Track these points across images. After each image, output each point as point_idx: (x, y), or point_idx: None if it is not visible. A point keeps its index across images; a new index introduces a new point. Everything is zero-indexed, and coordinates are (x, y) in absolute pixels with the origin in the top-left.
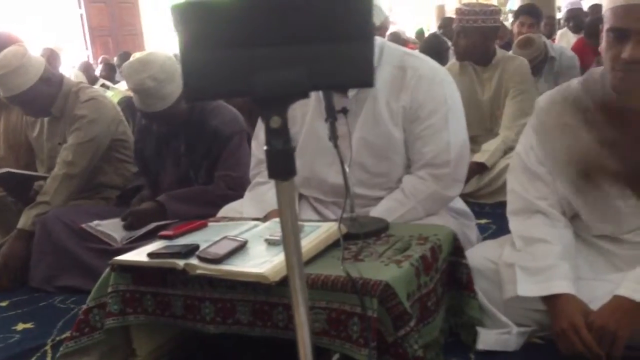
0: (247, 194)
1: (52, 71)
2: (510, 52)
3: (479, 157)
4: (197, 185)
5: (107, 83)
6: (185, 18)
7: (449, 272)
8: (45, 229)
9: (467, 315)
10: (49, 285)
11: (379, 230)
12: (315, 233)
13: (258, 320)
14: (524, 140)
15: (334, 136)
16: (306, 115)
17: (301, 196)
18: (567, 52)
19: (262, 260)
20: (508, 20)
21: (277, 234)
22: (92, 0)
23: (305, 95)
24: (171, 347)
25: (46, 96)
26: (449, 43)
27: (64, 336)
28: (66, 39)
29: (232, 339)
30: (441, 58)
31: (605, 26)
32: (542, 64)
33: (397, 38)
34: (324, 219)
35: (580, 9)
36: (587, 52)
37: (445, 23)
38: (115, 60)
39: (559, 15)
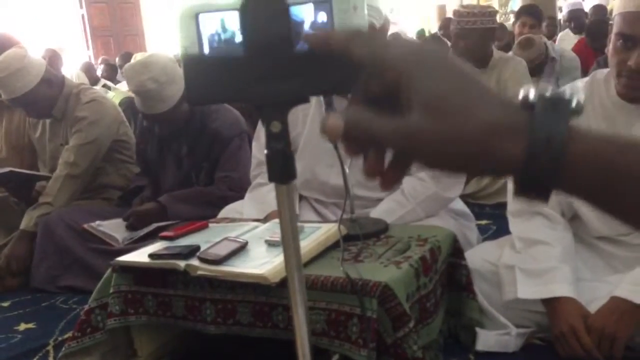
0: (247, 195)
1: (54, 72)
2: (510, 53)
3: None
4: (198, 187)
5: (109, 83)
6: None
7: (448, 274)
8: (47, 230)
9: (466, 317)
10: (51, 286)
11: (378, 231)
12: (315, 234)
13: (258, 321)
14: None
15: None
16: (307, 118)
17: (301, 197)
18: (568, 53)
19: (262, 262)
20: (509, 21)
21: (277, 235)
22: (93, 0)
23: (306, 100)
24: (172, 347)
25: (48, 97)
26: (449, 44)
27: (66, 336)
28: (67, 40)
29: (232, 339)
30: None
31: (614, 30)
32: (542, 65)
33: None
34: (324, 220)
35: (582, 10)
36: (588, 53)
37: (446, 24)
38: (117, 60)
39: (560, 15)
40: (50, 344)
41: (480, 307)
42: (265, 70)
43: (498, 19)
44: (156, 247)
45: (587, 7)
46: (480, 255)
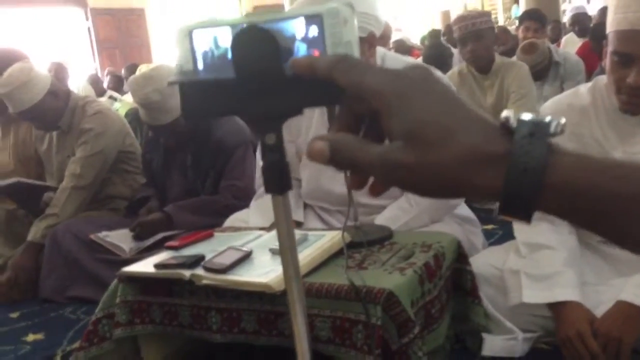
0: (252, 203)
1: (59, 85)
2: (514, 58)
3: None
4: (203, 196)
5: (115, 95)
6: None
7: (453, 279)
8: (55, 241)
9: (472, 322)
10: (59, 296)
11: (382, 238)
12: (319, 242)
13: (264, 329)
14: None
15: None
16: (310, 127)
17: (307, 205)
18: (572, 56)
19: (266, 270)
20: (513, 26)
21: None
22: (99, 12)
23: (299, 113)
24: (179, 356)
25: (54, 110)
26: (452, 49)
27: (74, 346)
28: (74, 52)
29: (239, 347)
30: (444, 64)
31: (610, 48)
32: (546, 69)
33: (402, 45)
34: (330, 227)
35: (585, 14)
36: (592, 56)
37: (449, 30)
38: (123, 72)
39: (564, 19)
40: (58, 354)
41: (486, 312)
42: (256, 90)
43: (502, 22)
44: (162, 257)
45: (590, 11)
46: (485, 260)
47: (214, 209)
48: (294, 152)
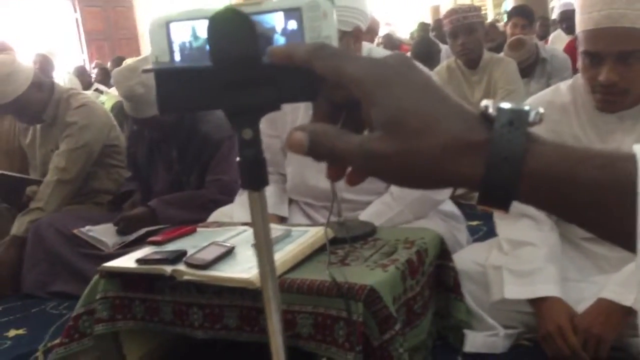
0: (237, 198)
1: (43, 77)
2: (502, 54)
3: None
4: (188, 190)
5: (101, 87)
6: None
7: (436, 275)
8: (37, 235)
9: (454, 318)
10: (41, 291)
11: (365, 234)
12: (303, 238)
13: (246, 325)
14: None
15: None
16: (296, 122)
17: (292, 201)
18: (559, 53)
19: (248, 266)
20: (503, 22)
21: None
22: (87, 4)
23: (277, 108)
24: (161, 352)
25: (38, 103)
26: (441, 45)
27: (55, 342)
28: (61, 44)
29: (221, 343)
30: (432, 60)
31: (580, 48)
32: (533, 66)
33: (391, 39)
34: (314, 223)
35: (574, 11)
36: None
37: (438, 25)
38: (109, 64)
39: (553, 16)
40: (39, 349)
41: (468, 308)
42: (234, 80)
43: (491, 18)
44: (143, 252)
45: None
46: (468, 257)
47: (199, 204)
48: (279, 148)
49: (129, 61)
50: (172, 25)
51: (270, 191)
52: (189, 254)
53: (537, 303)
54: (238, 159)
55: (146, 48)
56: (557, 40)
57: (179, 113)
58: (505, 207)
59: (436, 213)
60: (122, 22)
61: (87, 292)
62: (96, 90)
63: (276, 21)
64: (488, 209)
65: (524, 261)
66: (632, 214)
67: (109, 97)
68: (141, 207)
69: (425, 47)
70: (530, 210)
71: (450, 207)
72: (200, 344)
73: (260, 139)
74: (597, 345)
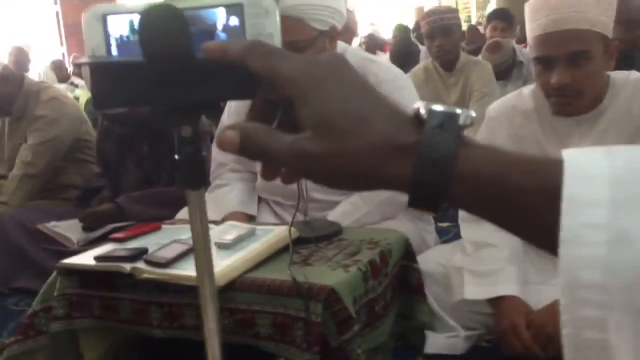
0: (206, 195)
1: (11, 70)
2: (479, 57)
3: None
4: (159, 187)
5: (77, 81)
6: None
7: (400, 277)
8: (0, 230)
9: (417, 320)
10: (3, 287)
11: (330, 234)
12: (267, 237)
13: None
14: None
15: None
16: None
17: (261, 199)
18: None
19: None
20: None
21: (229, 237)
22: None
23: (214, 106)
24: (119, 351)
25: (5, 95)
26: (420, 46)
27: (13, 339)
28: (41, 36)
29: (184, 342)
30: (412, 61)
31: (532, 55)
32: (510, 69)
33: (373, 39)
34: (283, 221)
35: None
36: None
37: (419, 26)
38: None
39: None
40: None
41: (431, 310)
42: (168, 76)
43: (475, 21)
44: (104, 249)
45: None
46: (432, 258)
47: (168, 201)
48: None
49: None
50: (110, 18)
51: (239, 189)
52: (150, 251)
53: (495, 302)
54: (176, 156)
55: None
56: None
57: (114, 108)
58: (435, 209)
59: (405, 214)
60: None
61: (45, 289)
62: (71, 83)
63: (218, 17)
64: (419, 211)
65: (485, 262)
66: (557, 219)
67: (84, 91)
68: (108, 204)
69: (404, 47)
70: None
71: None
72: (159, 343)
73: (199, 136)
74: (547, 342)
